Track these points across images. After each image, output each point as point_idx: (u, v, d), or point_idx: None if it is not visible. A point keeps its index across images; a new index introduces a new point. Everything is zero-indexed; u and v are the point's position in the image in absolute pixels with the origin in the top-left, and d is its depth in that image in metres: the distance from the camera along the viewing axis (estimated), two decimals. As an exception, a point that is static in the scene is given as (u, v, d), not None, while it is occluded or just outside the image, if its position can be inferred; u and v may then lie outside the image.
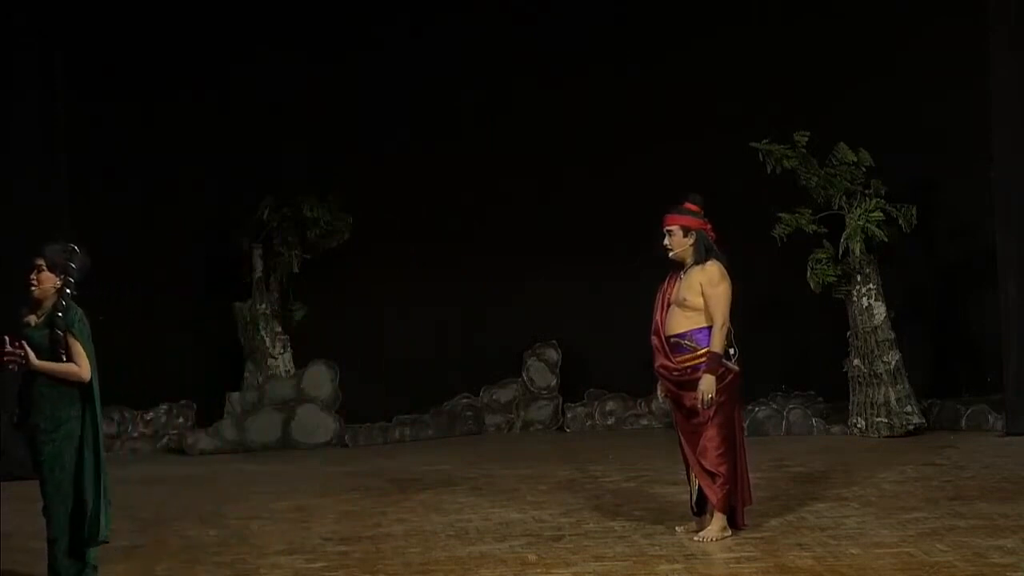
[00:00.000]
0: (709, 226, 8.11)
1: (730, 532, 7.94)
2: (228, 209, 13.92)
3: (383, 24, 14.32)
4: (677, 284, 8.09)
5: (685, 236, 8.04)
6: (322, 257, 13.99)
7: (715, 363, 7.87)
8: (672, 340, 8.04)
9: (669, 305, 8.08)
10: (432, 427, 14.27)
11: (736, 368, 8.00)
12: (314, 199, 13.78)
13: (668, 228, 8.08)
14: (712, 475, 7.94)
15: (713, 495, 7.93)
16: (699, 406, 7.89)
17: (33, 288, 7.11)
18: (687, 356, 7.98)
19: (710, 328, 7.94)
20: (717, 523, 7.93)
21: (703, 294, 7.94)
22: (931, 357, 13.58)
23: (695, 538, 7.90)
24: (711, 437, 7.93)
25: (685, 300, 7.98)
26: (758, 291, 12.62)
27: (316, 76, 14.11)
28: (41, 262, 7.13)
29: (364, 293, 14.18)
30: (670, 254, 8.11)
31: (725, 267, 8.02)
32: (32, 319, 7.11)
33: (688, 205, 8.09)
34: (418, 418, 14.25)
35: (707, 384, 7.86)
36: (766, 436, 12.91)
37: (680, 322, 8.01)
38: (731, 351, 7.99)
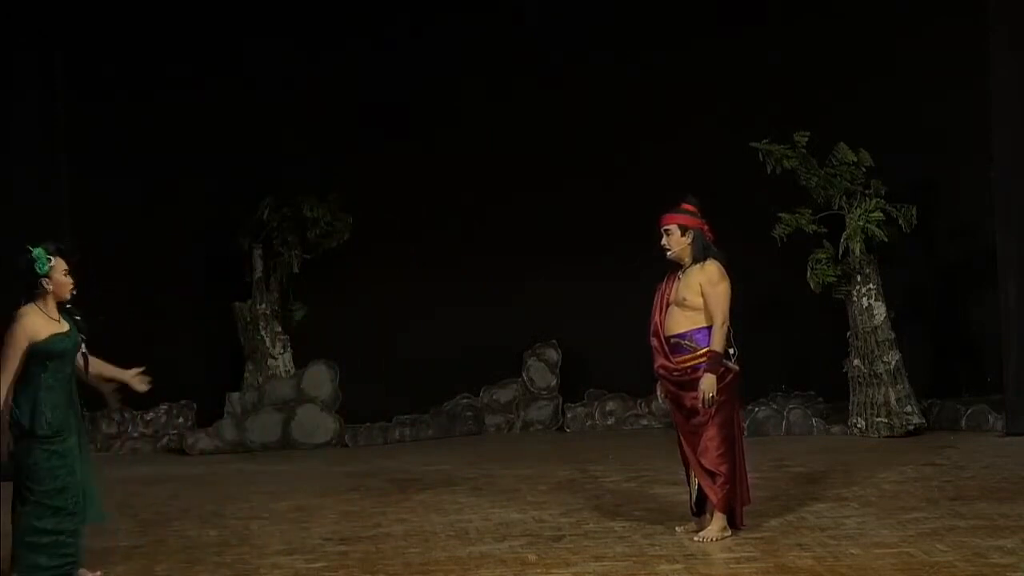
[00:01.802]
0: (706, 226, 8.11)
1: (730, 532, 7.94)
2: (228, 209, 13.92)
3: (383, 24, 14.33)
4: (676, 284, 8.09)
5: (683, 235, 8.05)
6: (322, 257, 14.00)
7: (716, 363, 7.87)
8: (672, 340, 8.04)
9: (668, 305, 8.09)
10: (432, 427, 14.27)
11: (736, 368, 8.00)
12: (314, 199, 13.78)
13: (665, 227, 8.09)
14: (712, 475, 7.94)
15: (713, 495, 7.93)
16: (700, 405, 7.89)
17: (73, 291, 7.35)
18: (687, 356, 7.98)
19: (710, 328, 7.94)
20: (717, 523, 7.93)
21: (703, 293, 7.95)
22: (931, 357, 13.57)
23: (695, 538, 7.90)
24: (711, 437, 7.93)
25: (685, 300, 7.98)
26: (758, 291, 12.62)
27: (316, 76, 14.11)
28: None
29: (364, 293, 14.18)
30: (668, 254, 8.12)
31: (724, 266, 8.03)
32: (60, 324, 7.28)
33: (685, 205, 8.11)
34: (418, 418, 14.25)
35: (708, 383, 7.86)
36: (766, 436, 12.91)
37: (680, 322, 8.01)
38: (731, 351, 7.99)
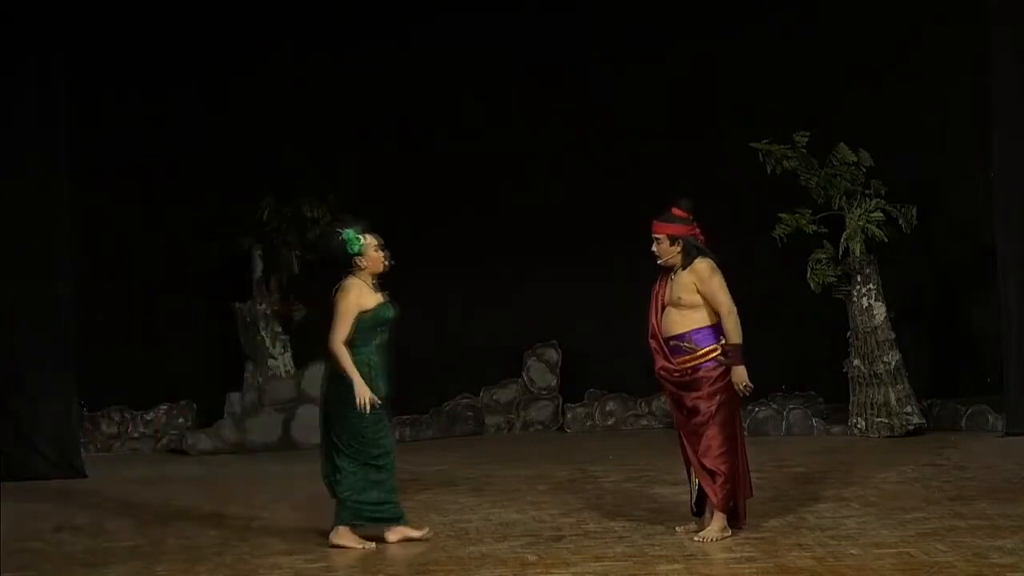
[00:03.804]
0: (698, 230, 8.11)
1: (730, 532, 7.94)
2: (228, 209, 13.92)
3: (383, 24, 14.32)
4: (669, 285, 8.11)
5: (672, 244, 8.08)
6: (322, 257, 13.98)
7: (739, 354, 7.89)
8: (671, 343, 8.05)
9: (664, 307, 8.11)
10: (432, 427, 14.27)
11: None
12: (314, 199, 13.78)
13: (655, 236, 8.12)
14: (713, 474, 7.94)
15: (714, 494, 7.94)
16: (701, 405, 7.90)
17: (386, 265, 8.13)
18: (687, 357, 7.99)
19: (709, 327, 7.96)
20: (717, 523, 7.93)
21: (698, 291, 7.97)
22: (931, 357, 13.58)
23: (695, 538, 7.90)
24: (712, 436, 7.94)
25: (680, 299, 8.00)
26: (758, 291, 12.63)
27: (316, 76, 14.11)
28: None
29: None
30: (658, 261, 8.15)
31: (715, 262, 8.04)
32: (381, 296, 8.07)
33: (675, 211, 8.11)
34: (418, 418, 14.25)
35: (740, 376, 7.90)
36: (766, 436, 12.91)
37: (677, 323, 8.03)
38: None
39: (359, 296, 8.05)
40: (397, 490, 8.29)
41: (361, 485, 8.09)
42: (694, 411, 7.98)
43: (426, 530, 8.31)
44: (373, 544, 8.12)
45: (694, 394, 7.96)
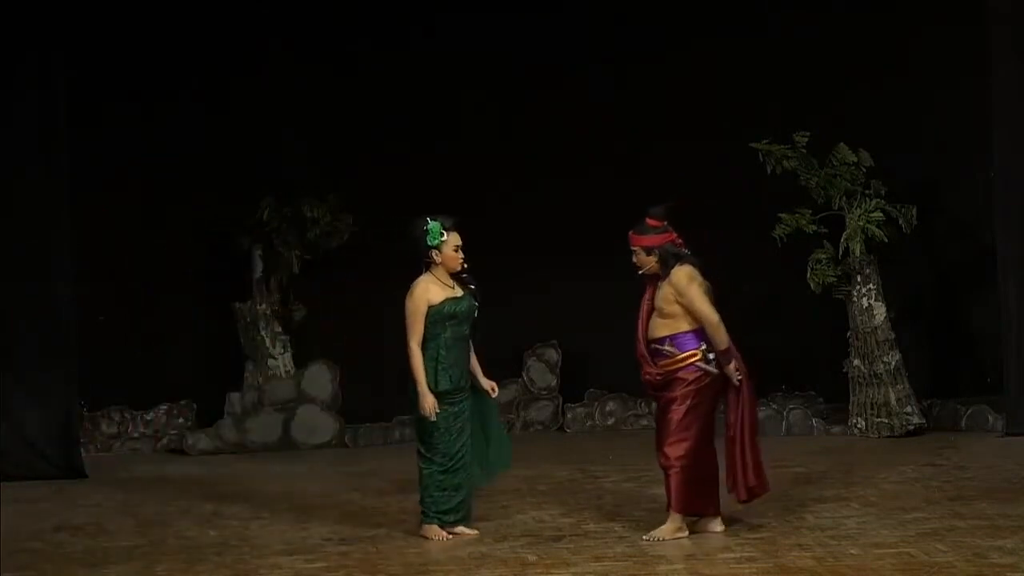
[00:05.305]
0: (674, 235, 8.12)
1: (686, 533, 7.95)
2: (228, 209, 13.91)
3: (383, 23, 14.31)
4: (656, 293, 8.16)
5: (648, 255, 8.11)
6: (322, 257, 13.99)
7: (728, 356, 7.91)
8: (653, 347, 8.09)
9: (651, 314, 8.15)
10: (432, 427, 14.25)
11: (715, 371, 7.99)
12: (314, 199, 13.78)
13: (632, 248, 8.14)
14: (666, 473, 7.97)
15: (667, 494, 7.98)
16: (675, 405, 7.94)
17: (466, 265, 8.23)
18: (668, 361, 8.02)
19: (691, 332, 7.98)
20: (671, 523, 7.97)
21: (677, 302, 7.99)
22: (931, 357, 13.58)
23: (644, 537, 7.93)
24: (668, 434, 7.99)
25: (662, 309, 8.08)
26: (758, 291, 12.63)
27: (316, 76, 14.10)
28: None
29: (364, 293, 14.17)
30: (639, 272, 8.18)
31: (696, 267, 8.04)
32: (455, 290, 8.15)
33: (649, 221, 8.12)
34: (418, 418, 14.23)
35: (731, 371, 7.93)
36: (766, 436, 12.88)
37: (660, 328, 8.08)
38: (710, 356, 7.98)
39: (425, 292, 8.10)
40: (467, 491, 8.35)
41: (439, 487, 8.19)
42: (664, 411, 8.04)
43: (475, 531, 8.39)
44: (450, 536, 8.22)
45: (668, 394, 8.01)
